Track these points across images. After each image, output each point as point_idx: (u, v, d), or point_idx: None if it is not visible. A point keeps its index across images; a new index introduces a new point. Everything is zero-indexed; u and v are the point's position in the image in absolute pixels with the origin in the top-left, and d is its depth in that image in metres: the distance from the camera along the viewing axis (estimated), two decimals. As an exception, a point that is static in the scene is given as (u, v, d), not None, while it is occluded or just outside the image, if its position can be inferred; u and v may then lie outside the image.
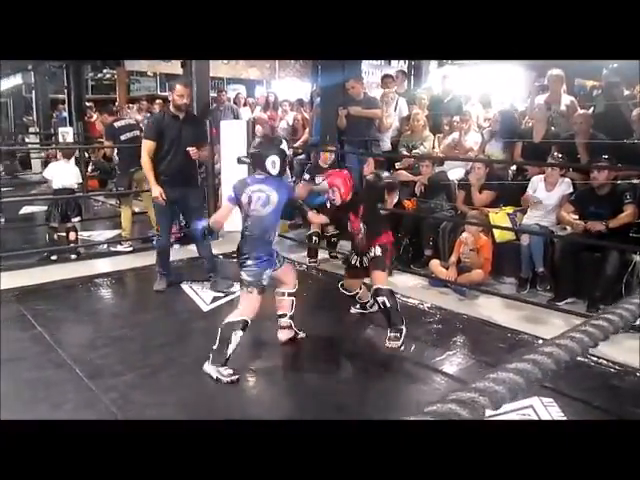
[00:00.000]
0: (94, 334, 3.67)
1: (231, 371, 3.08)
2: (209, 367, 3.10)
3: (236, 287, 4.60)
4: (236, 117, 8.02)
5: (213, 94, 9.00)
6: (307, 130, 7.43)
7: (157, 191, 4.34)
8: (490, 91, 6.73)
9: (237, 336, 3.08)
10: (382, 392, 3.03)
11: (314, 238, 5.38)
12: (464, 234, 4.61)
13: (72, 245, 5.47)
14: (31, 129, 13.78)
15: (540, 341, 3.60)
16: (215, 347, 3.08)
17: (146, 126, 4.93)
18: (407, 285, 4.70)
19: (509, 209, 4.81)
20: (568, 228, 4.39)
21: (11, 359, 3.24)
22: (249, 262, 3.19)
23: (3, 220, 7.08)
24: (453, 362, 3.41)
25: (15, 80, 15.59)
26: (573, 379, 3.01)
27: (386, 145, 6.22)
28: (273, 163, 3.23)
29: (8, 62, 14.18)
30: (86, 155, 9.18)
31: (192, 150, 4.39)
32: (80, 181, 5.78)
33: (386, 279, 3.56)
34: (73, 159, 5.93)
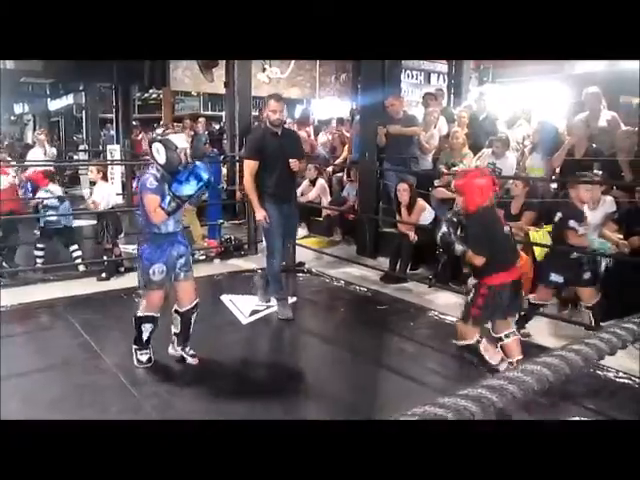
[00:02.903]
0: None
1: None
2: None
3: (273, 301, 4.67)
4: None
5: (255, 113, 9.25)
6: (346, 147, 7.53)
7: (261, 215, 4.18)
8: (531, 108, 6.67)
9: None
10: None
11: None
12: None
13: (117, 258, 5.56)
14: (81, 147, 14.34)
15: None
16: None
17: (246, 146, 4.69)
18: (447, 302, 4.66)
19: (550, 228, 4.72)
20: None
21: (62, 364, 3.40)
22: None
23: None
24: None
25: (67, 100, 16.32)
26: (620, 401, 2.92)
27: (427, 163, 6.22)
28: (157, 151, 3.14)
29: (61, 83, 14.94)
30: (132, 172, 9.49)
31: (293, 162, 4.19)
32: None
33: None
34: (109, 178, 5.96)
